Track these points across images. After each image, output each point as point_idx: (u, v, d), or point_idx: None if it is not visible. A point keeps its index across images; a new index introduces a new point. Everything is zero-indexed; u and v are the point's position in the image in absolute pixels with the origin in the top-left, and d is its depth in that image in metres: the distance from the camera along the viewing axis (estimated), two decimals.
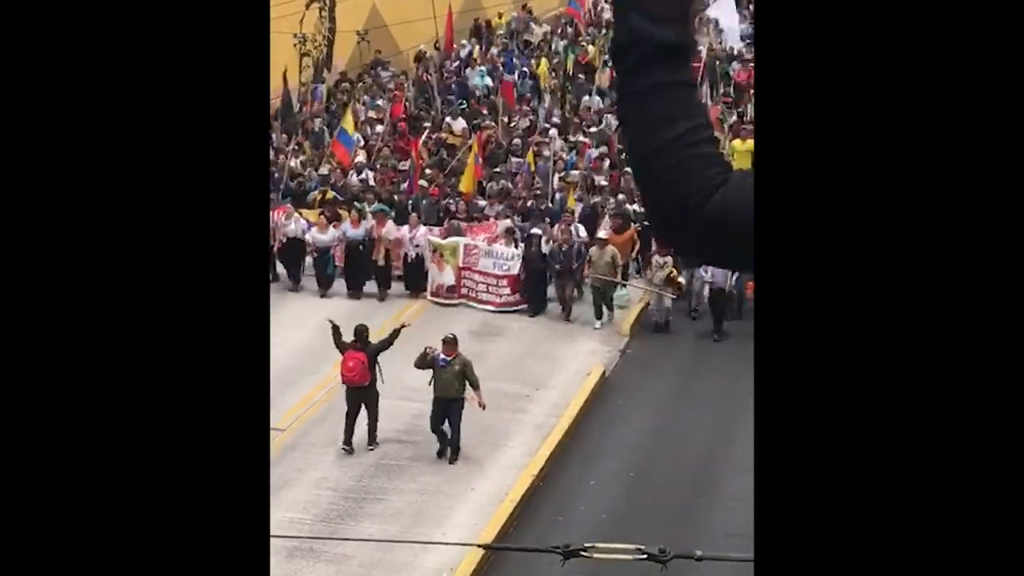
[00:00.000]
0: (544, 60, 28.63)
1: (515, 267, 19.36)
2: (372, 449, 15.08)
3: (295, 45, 27.02)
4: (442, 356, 14.84)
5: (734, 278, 18.53)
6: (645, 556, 5.67)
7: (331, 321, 15.29)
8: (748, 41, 29.83)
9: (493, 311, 19.45)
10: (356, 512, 13.67)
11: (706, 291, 18.85)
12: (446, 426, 14.94)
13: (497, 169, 21.78)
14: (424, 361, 14.85)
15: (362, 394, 14.96)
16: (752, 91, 27.43)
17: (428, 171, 21.65)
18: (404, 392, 15.46)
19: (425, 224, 20.12)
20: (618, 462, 15.02)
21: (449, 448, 14.90)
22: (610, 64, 26.68)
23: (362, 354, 14.85)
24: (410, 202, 20.80)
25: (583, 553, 5.68)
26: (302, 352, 17.07)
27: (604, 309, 19.01)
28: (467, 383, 14.80)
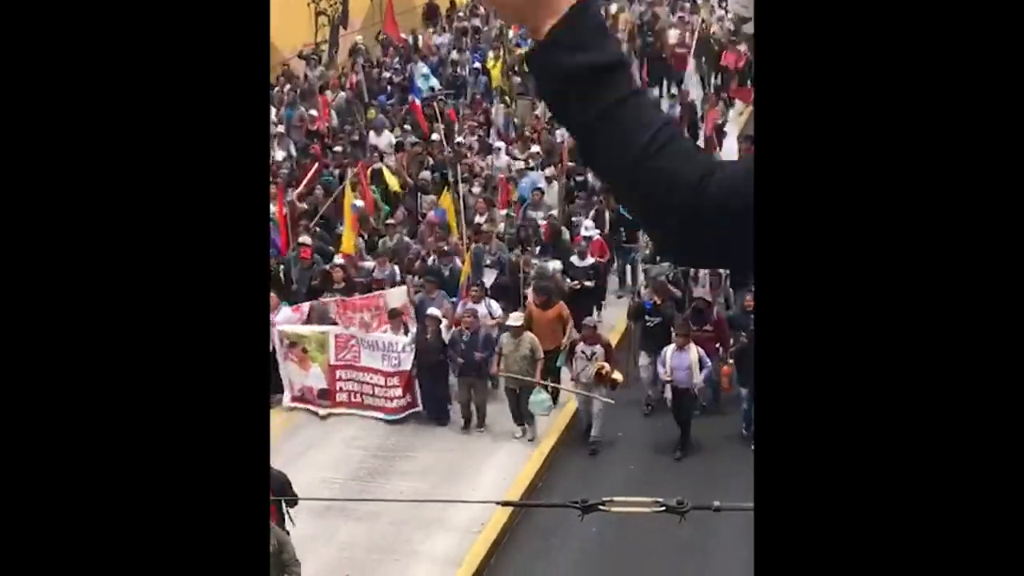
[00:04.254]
0: (501, 55, 23.09)
1: (406, 360, 14.18)
2: None
3: (309, 4, 26.15)
4: None
5: (703, 375, 13.20)
6: (663, 508, 5.64)
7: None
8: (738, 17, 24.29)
9: (384, 419, 14.27)
10: (386, 470, 13.14)
11: (668, 393, 13.50)
12: None
13: (390, 221, 16.35)
14: None
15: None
16: (736, 79, 21.95)
17: (302, 223, 16.36)
18: None
19: (290, 302, 14.95)
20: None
21: None
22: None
23: None
24: (281, 268, 15.66)
25: (601, 507, 5.68)
26: None
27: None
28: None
